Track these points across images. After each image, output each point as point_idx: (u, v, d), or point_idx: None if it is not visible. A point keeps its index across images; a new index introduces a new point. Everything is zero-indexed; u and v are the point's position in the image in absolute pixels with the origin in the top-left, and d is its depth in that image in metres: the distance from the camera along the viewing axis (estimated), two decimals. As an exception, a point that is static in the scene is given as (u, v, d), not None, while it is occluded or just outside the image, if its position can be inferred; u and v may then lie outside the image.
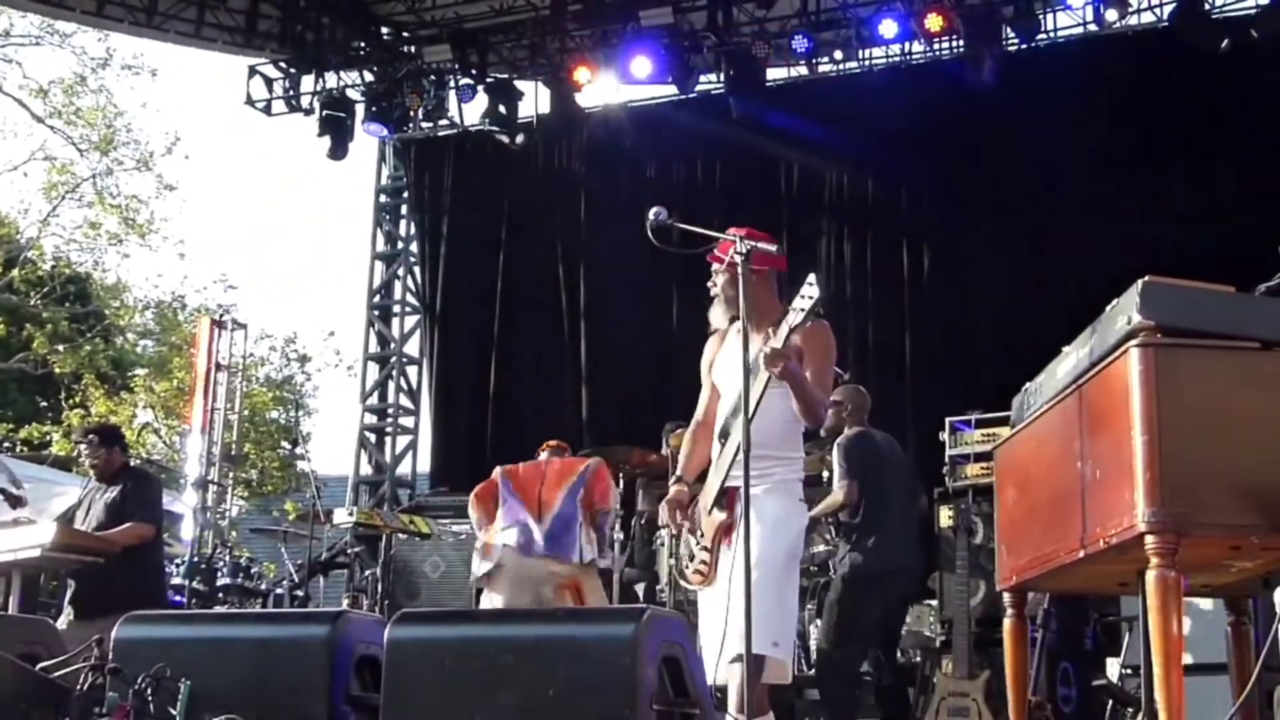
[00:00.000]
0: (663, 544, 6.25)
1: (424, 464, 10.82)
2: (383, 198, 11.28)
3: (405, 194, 11.10)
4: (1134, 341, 2.41)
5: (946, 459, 6.22)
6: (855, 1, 8.82)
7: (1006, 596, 3.24)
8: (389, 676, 2.96)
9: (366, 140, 10.56)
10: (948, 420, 6.33)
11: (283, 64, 10.14)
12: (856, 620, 5.12)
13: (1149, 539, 2.33)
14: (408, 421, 10.92)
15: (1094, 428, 2.58)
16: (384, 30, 10.30)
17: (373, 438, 10.90)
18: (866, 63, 9.30)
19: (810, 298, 3.28)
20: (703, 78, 9.45)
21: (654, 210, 3.52)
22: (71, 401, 16.57)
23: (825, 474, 5.90)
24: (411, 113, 10.02)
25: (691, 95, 9.39)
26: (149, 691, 3.10)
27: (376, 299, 11.12)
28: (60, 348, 16.71)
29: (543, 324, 10.00)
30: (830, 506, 5.29)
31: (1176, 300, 2.43)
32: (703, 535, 3.58)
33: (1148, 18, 8.75)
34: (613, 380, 9.60)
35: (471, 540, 4.69)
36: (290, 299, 37.43)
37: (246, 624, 3.98)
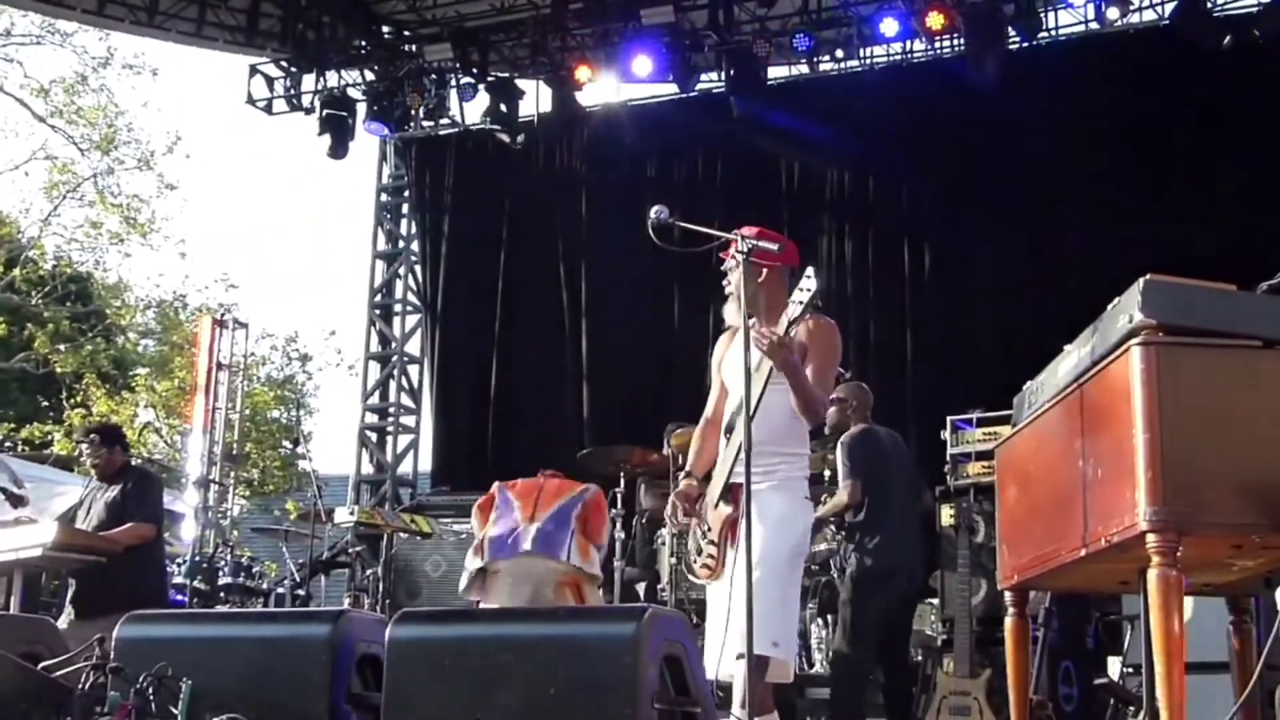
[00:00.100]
0: (663, 543, 6.25)
1: (425, 463, 10.83)
2: (384, 197, 11.28)
3: (406, 193, 11.10)
4: (1135, 340, 2.41)
5: (948, 457, 6.23)
6: (856, 0, 8.81)
7: (1008, 595, 3.24)
8: (390, 675, 2.96)
9: (367, 139, 10.58)
10: (949, 419, 6.33)
11: (284, 63, 10.14)
12: (868, 619, 5.13)
13: (1150, 538, 2.33)
14: (409, 420, 10.93)
15: (1095, 426, 2.58)
16: (385, 29, 10.30)
17: (374, 437, 10.91)
18: (868, 61, 9.29)
19: (808, 290, 3.31)
20: (704, 76, 9.45)
21: (655, 209, 3.52)
22: (73, 401, 16.58)
23: (827, 473, 5.90)
24: (412, 111, 10.03)
25: (692, 94, 9.39)
26: (150, 691, 3.10)
27: (378, 298, 11.13)
28: (61, 347, 16.72)
29: (544, 323, 10.00)
30: (836, 507, 5.29)
31: (1178, 299, 2.43)
32: (710, 530, 3.60)
33: (1149, 16, 8.74)
34: (613, 379, 9.60)
35: (471, 540, 4.69)
36: (291, 298, 37.47)
37: (248, 623, 3.98)
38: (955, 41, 8.83)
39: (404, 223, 11.22)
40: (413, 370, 10.97)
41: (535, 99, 9.83)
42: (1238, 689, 2.94)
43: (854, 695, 5.15)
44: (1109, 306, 2.56)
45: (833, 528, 5.57)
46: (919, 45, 9.13)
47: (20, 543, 4.91)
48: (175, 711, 3.08)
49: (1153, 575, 2.34)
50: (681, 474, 3.83)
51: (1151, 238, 7.62)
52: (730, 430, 3.57)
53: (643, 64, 8.96)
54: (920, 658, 5.73)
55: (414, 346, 10.96)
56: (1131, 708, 4.81)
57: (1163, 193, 8.09)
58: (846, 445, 5.26)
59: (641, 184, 9.63)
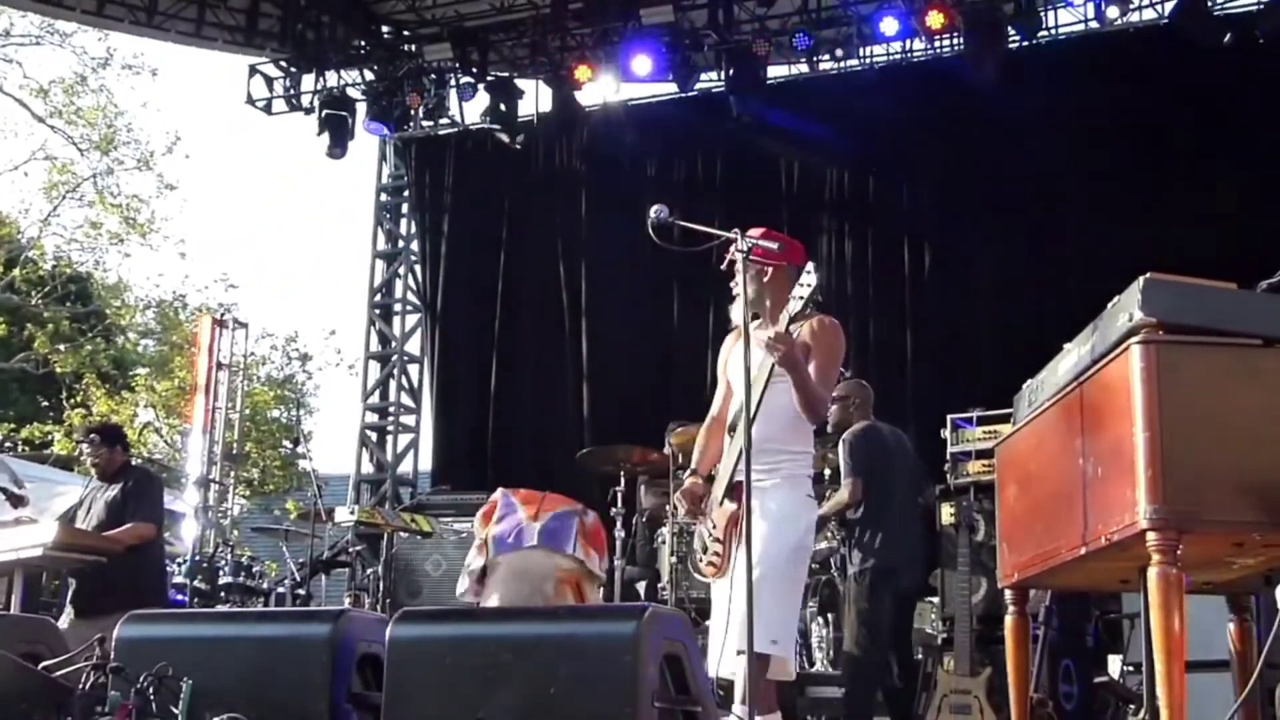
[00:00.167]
0: (663, 542, 6.26)
1: (425, 462, 10.83)
2: (383, 196, 11.28)
3: (406, 193, 11.10)
4: (1135, 338, 2.41)
5: (948, 456, 6.23)
6: (856, -1, 8.82)
7: (1008, 594, 3.24)
8: (390, 675, 2.96)
9: (367, 139, 10.58)
10: (949, 417, 6.33)
11: (283, 63, 10.14)
12: (879, 618, 5.13)
13: (1150, 536, 2.33)
14: (409, 420, 10.93)
15: (1095, 425, 2.58)
16: (384, 29, 10.30)
17: (374, 436, 10.91)
18: (867, 61, 9.29)
19: (808, 285, 3.33)
20: (703, 76, 9.45)
21: (655, 208, 3.53)
22: (73, 401, 16.58)
23: (828, 471, 5.90)
24: (412, 111, 10.02)
25: (692, 93, 9.39)
26: (151, 690, 3.10)
27: (377, 298, 11.13)
28: (61, 347, 16.73)
29: (543, 322, 10.00)
30: (837, 506, 5.29)
31: (1178, 297, 2.43)
32: (715, 527, 3.61)
33: (1149, 15, 8.74)
34: (613, 378, 9.60)
35: (472, 539, 4.70)
36: (291, 298, 37.47)
37: (248, 623, 3.98)
38: (955, 41, 8.83)
39: (404, 222, 11.22)
40: (413, 370, 10.97)
41: (535, 99, 9.84)
42: (1238, 687, 2.94)
43: (866, 697, 5.15)
44: (1109, 305, 2.56)
45: (834, 526, 5.57)
46: (919, 44, 9.13)
47: (21, 542, 4.91)
48: (176, 711, 3.08)
49: (1153, 573, 2.34)
50: (686, 473, 3.85)
51: (1151, 236, 7.62)
52: (735, 428, 3.58)
53: (642, 63, 8.96)
54: (921, 656, 5.74)
55: (414, 346, 10.97)
56: (1132, 706, 4.80)
57: (1163, 192, 8.09)
58: (848, 443, 5.26)
59: (641, 183, 9.63)
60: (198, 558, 7.48)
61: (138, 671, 3.12)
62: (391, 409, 10.92)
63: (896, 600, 5.31)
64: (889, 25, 8.52)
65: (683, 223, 3.59)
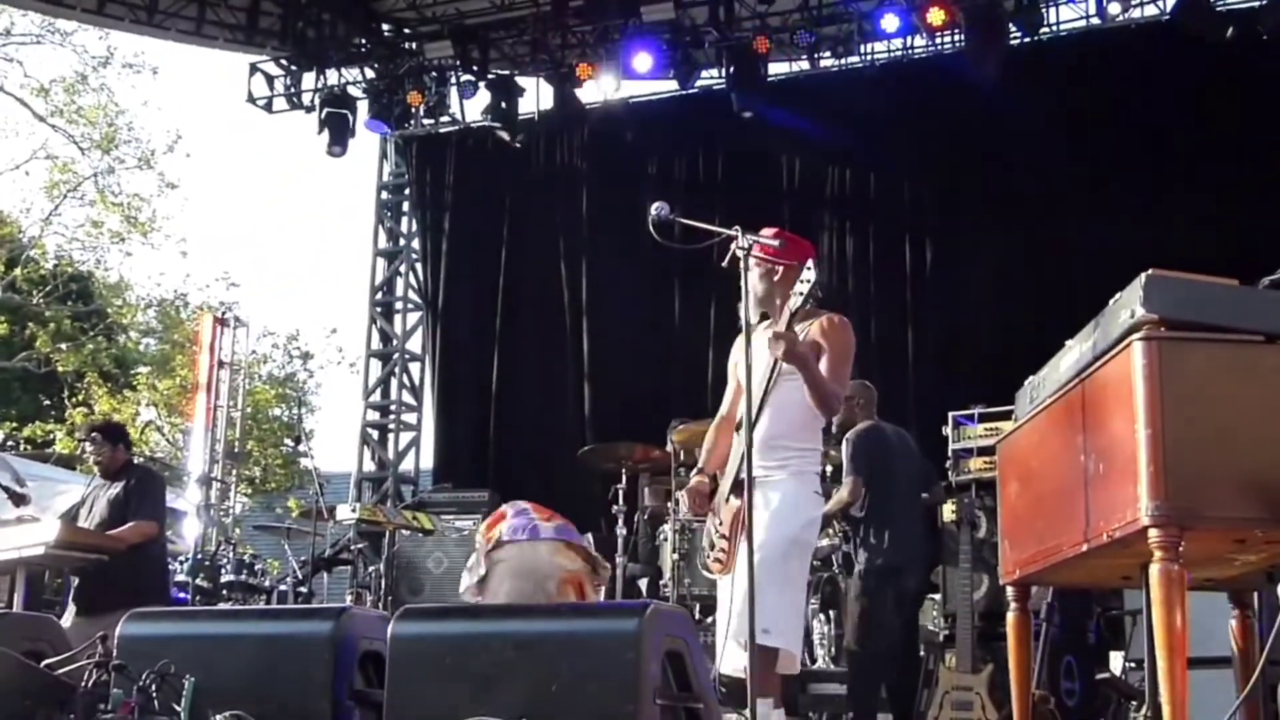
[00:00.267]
0: (665, 539, 6.26)
1: (427, 460, 10.83)
2: (384, 194, 11.28)
3: (407, 191, 11.10)
4: (1137, 335, 2.41)
5: (949, 453, 6.22)
6: (856, -4, 8.81)
7: (1010, 590, 3.24)
8: (392, 672, 2.97)
9: (368, 137, 10.58)
10: (950, 414, 6.32)
11: (284, 61, 10.14)
12: (879, 616, 5.13)
13: (1152, 533, 2.33)
14: (410, 418, 10.93)
15: (1097, 421, 2.58)
16: (385, 27, 10.30)
17: (375, 434, 10.91)
18: (868, 58, 9.28)
19: (808, 281, 3.36)
20: (704, 73, 9.44)
21: (655, 205, 3.53)
22: (75, 400, 16.60)
23: (829, 469, 5.90)
24: (413, 109, 10.03)
25: (693, 90, 9.38)
26: (153, 688, 3.10)
27: (378, 296, 11.13)
28: (63, 346, 16.74)
29: (544, 320, 10.00)
30: (838, 504, 5.30)
31: (1180, 293, 2.43)
32: (721, 523, 3.63)
33: (1151, 11, 8.72)
34: (614, 375, 9.60)
35: (474, 536, 4.70)
36: (292, 296, 37.49)
37: (250, 620, 3.98)
38: (956, 37, 8.82)
39: (405, 220, 11.22)
40: (414, 368, 10.97)
41: (536, 96, 9.84)
42: (1240, 684, 2.94)
43: (868, 692, 5.16)
44: (1111, 301, 2.56)
45: (835, 524, 5.58)
46: (920, 41, 9.12)
47: (23, 541, 4.91)
48: (178, 709, 3.08)
49: (1155, 570, 2.34)
50: (693, 471, 3.87)
51: (1153, 233, 7.61)
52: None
53: (643, 61, 8.95)
54: (923, 653, 5.74)
55: (415, 344, 10.97)
56: (1134, 702, 4.80)
57: (1164, 188, 8.08)
58: (850, 442, 5.28)
59: (642, 181, 9.63)
60: (200, 556, 7.48)
61: (140, 669, 3.13)
62: (393, 407, 10.92)
63: (901, 599, 5.31)
64: (890, 22, 8.51)
65: (683, 220, 3.59)
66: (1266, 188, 7.61)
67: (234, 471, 10.96)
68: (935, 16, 8.19)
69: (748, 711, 3.21)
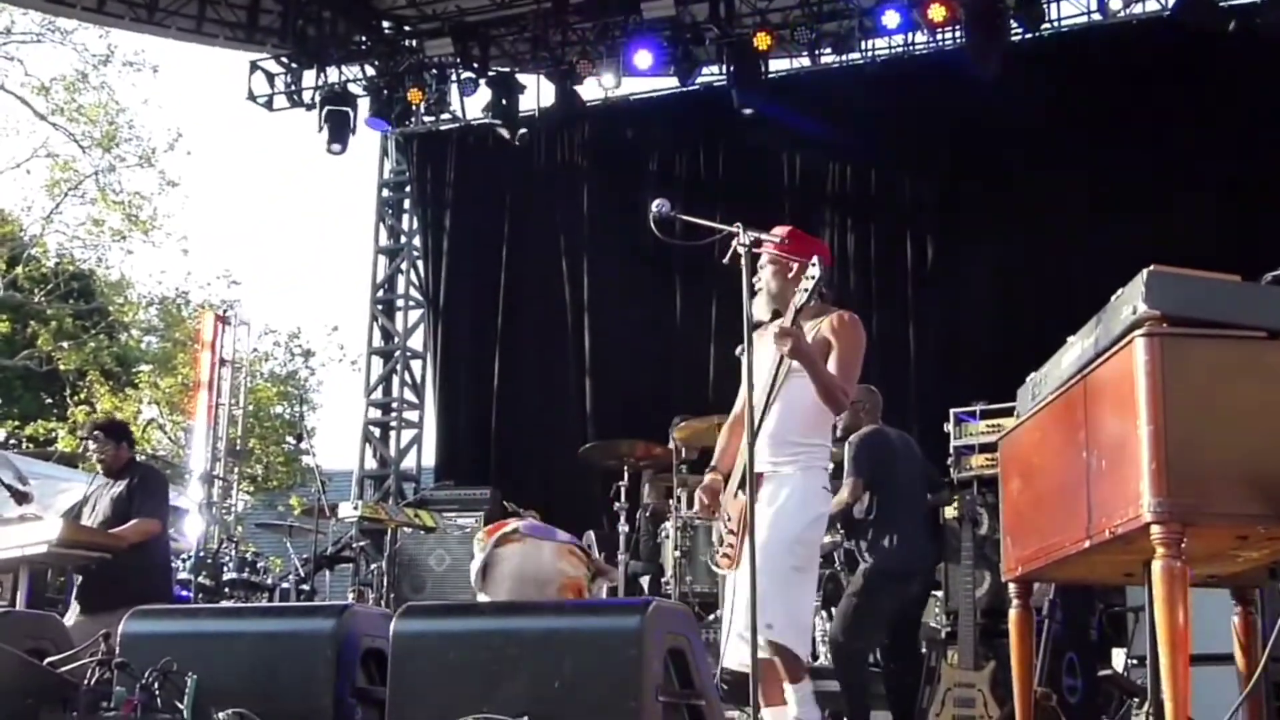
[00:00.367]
0: (667, 536, 6.26)
1: (428, 458, 10.84)
2: (385, 192, 11.28)
3: (408, 188, 11.10)
4: (1139, 331, 2.40)
5: (951, 450, 6.22)
6: (857, -8, 8.79)
7: (1012, 587, 3.24)
8: (395, 669, 2.97)
9: (368, 134, 10.57)
10: (952, 411, 6.32)
11: (284, 59, 10.13)
12: (871, 617, 5.14)
13: (1155, 529, 2.33)
14: (412, 415, 10.93)
15: (1099, 418, 2.58)
16: (385, 24, 10.29)
17: (377, 432, 10.92)
18: (869, 54, 9.27)
19: (812, 278, 3.40)
20: (705, 70, 9.43)
21: (656, 202, 3.54)
22: (76, 398, 16.61)
23: (830, 466, 5.90)
24: (413, 107, 10.02)
25: (693, 87, 9.37)
26: (156, 686, 3.11)
27: (380, 293, 11.13)
28: (65, 344, 16.75)
29: (546, 317, 10.00)
30: (837, 505, 5.29)
31: (1182, 289, 2.42)
32: (729, 519, 3.64)
33: (1152, 6, 8.71)
34: (616, 372, 9.60)
35: (474, 533, 4.71)
36: (293, 294, 37.50)
37: (252, 618, 3.98)
38: (957, 34, 8.81)
39: (406, 218, 11.22)
40: (415, 365, 10.97)
41: (536, 93, 9.84)
42: (1243, 680, 2.94)
43: (859, 684, 5.15)
44: (1113, 297, 2.56)
45: (836, 524, 5.58)
46: (920, 37, 9.11)
47: (26, 539, 4.92)
48: (181, 706, 3.08)
49: (1157, 567, 2.34)
50: (707, 469, 3.90)
51: (1154, 228, 7.60)
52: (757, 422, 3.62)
53: (643, 58, 8.95)
54: (925, 650, 5.75)
55: (416, 341, 10.97)
56: (1136, 699, 4.81)
57: (1166, 184, 8.07)
58: (853, 444, 5.29)
59: (643, 178, 9.62)
60: (202, 554, 7.49)
61: (143, 667, 3.13)
62: (394, 404, 10.92)
63: (903, 601, 5.32)
64: (890, 18, 8.50)
65: (684, 217, 3.59)
66: (1269, 185, 7.59)
67: (236, 469, 10.97)
68: (936, 12, 8.18)
69: (749, 709, 3.21)
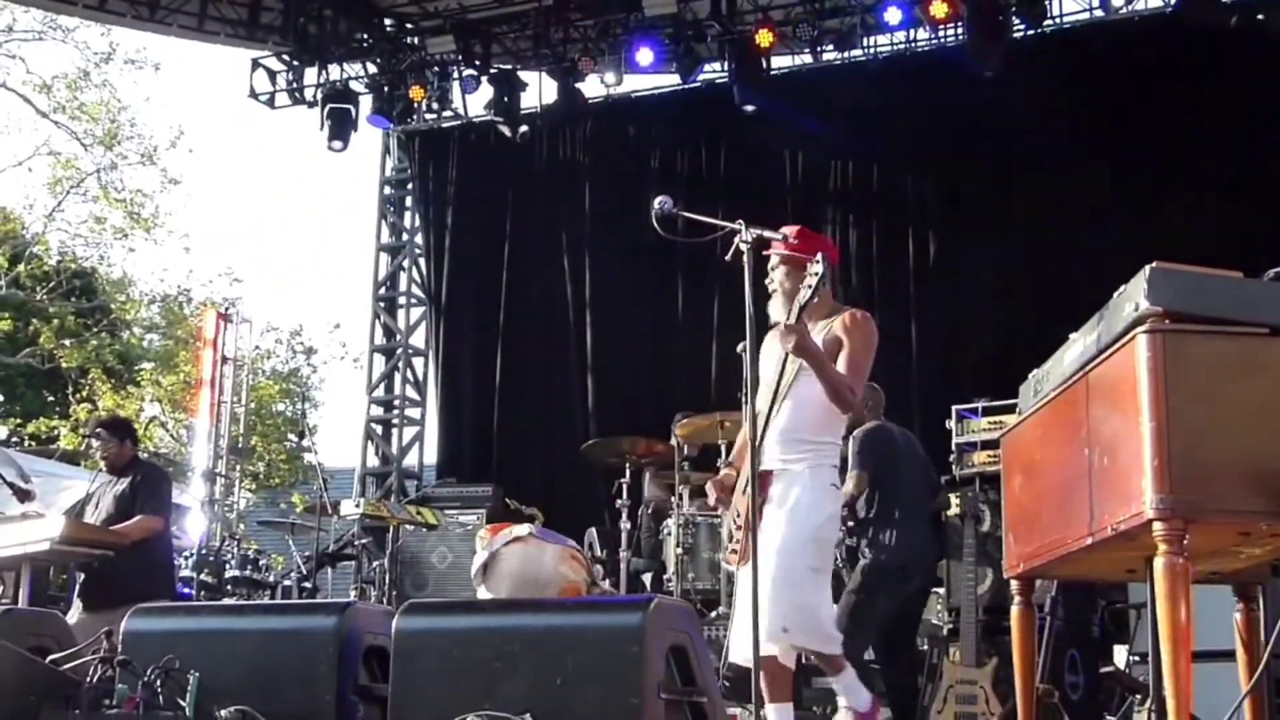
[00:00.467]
0: (669, 533, 6.26)
1: (430, 455, 10.84)
2: (387, 189, 11.28)
3: (409, 186, 11.10)
4: (1142, 328, 2.40)
5: (953, 447, 6.22)
6: (859, -11, 8.78)
7: (1014, 584, 3.24)
8: (397, 667, 2.97)
9: (370, 132, 10.57)
10: (954, 408, 6.32)
11: (286, 56, 10.14)
12: (868, 613, 5.14)
13: (1157, 526, 2.32)
14: (414, 413, 10.94)
15: (1101, 414, 2.57)
16: (387, 22, 10.29)
17: (379, 429, 10.92)
18: (871, 51, 9.26)
19: (815, 275, 3.42)
20: (706, 67, 9.42)
21: (659, 199, 3.54)
22: (79, 396, 16.62)
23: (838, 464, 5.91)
24: (415, 104, 10.02)
25: (695, 84, 9.36)
26: (158, 683, 3.11)
27: (381, 291, 11.13)
28: (67, 342, 16.76)
29: (548, 314, 10.00)
30: (844, 497, 5.30)
31: (1184, 286, 2.42)
32: (739, 516, 3.65)
33: (1154, 2, 8.69)
34: (618, 370, 9.61)
35: (476, 530, 4.72)
36: (295, 292, 37.52)
37: (254, 615, 3.99)
38: (959, 30, 8.79)
39: (407, 215, 11.22)
40: (417, 363, 10.98)
41: (538, 90, 9.84)
42: (1245, 677, 2.94)
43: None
44: (1115, 294, 2.55)
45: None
46: (923, 34, 9.10)
47: (28, 537, 4.93)
48: (183, 704, 3.09)
49: (1159, 563, 2.34)
50: (722, 463, 3.93)
51: (1155, 225, 7.60)
52: (766, 418, 3.64)
53: (645, 55, 8.94)
54: (926, 647, 5.74)
55: (418, 339, 10.97)
56: (1138, 696, 4.80)
57: (1168, 181, 8.06)
58: (857, 439, 5.30)
59: (645, 175, 9.62)
60: (204, 551, 7.50)
61: (145, 664, 3.14)
62: (396, 402, 10.92)
63: (903, 598, 5.32)
64: (892, 15, 8.48)
65: (687, 214, 3.60)
66: (1269, 184, 7.58)
67: (238, 467, 10.99)
68: (938, 9, 8.16)
69: (752, 707, 3.22)
